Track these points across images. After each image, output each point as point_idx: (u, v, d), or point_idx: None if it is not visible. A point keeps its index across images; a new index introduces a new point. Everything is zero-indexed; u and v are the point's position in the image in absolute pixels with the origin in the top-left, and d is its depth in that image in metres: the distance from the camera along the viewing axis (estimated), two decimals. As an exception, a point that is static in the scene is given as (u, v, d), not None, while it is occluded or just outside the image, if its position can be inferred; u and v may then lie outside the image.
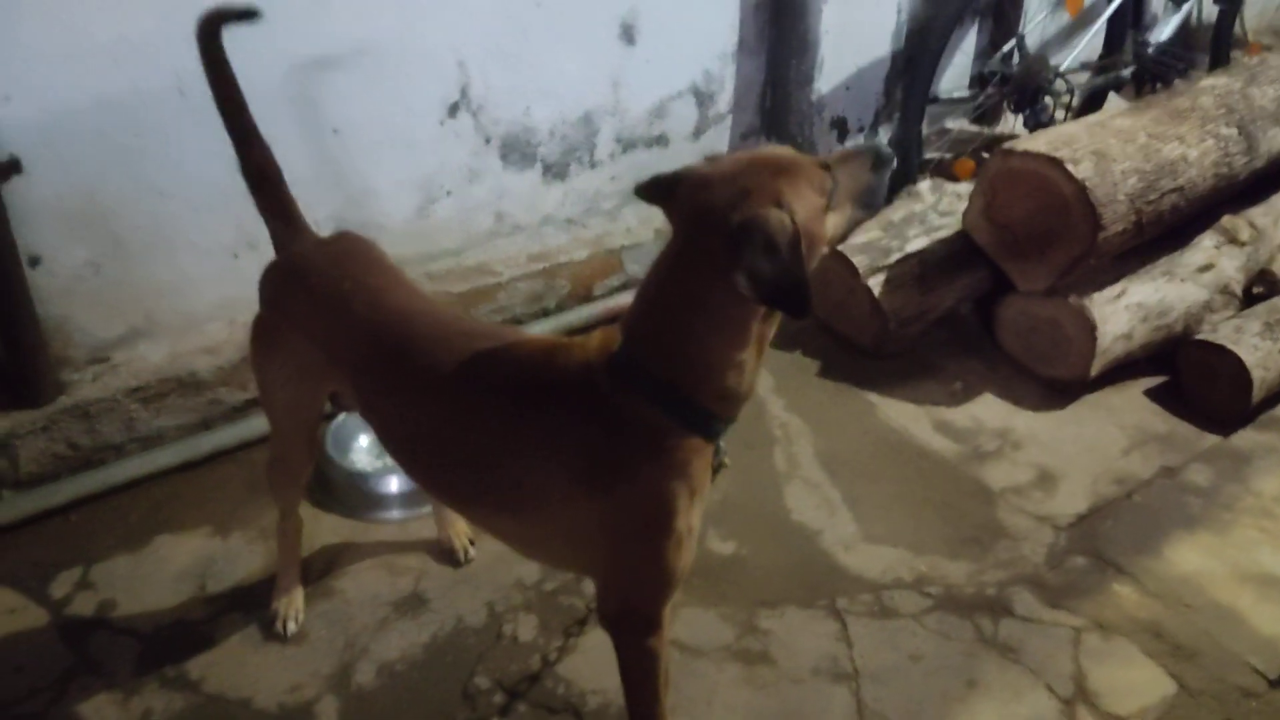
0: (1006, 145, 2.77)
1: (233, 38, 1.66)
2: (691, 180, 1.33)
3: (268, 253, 1.81)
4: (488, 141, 2.84)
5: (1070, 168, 2.59)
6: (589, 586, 2.12)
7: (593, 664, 1.96)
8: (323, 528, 2.27)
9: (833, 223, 1.37)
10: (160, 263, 2.42)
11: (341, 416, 2.43)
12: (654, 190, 1.37)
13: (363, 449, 2.47)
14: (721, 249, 1.26)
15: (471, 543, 2.20)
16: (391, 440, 1.60)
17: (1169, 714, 1.91)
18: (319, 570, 2.16)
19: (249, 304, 2.47)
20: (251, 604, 2.07)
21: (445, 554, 2.20)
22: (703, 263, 1.29)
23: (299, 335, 1.66)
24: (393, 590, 2.13)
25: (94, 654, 1.97)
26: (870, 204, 1.44)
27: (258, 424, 2.42)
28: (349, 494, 2.33)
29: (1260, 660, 2.02)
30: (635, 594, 1.49)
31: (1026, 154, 2.67)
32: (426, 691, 1.92)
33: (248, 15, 1.64)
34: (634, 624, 1.52)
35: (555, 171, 3.02)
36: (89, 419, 2.33)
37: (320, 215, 2.45)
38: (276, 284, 1.71)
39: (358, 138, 2.60)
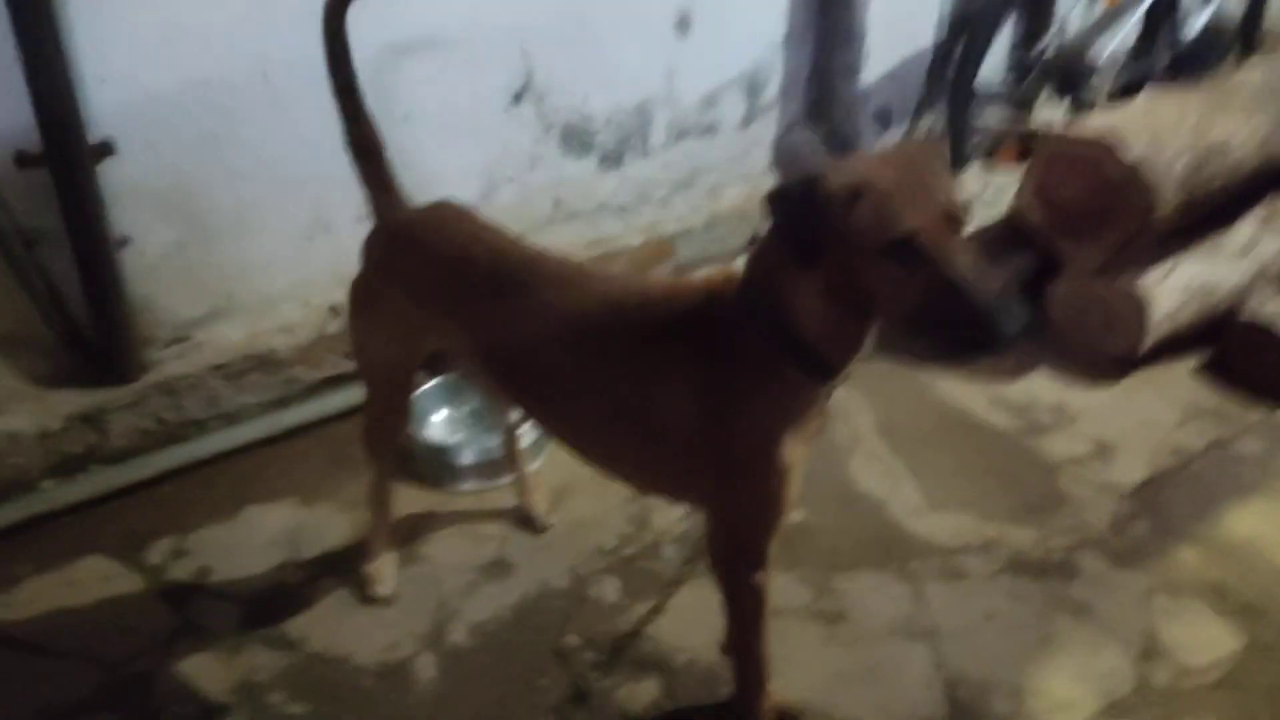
0: (1059, 128, 2.83)
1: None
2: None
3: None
4: (548, 129, 2.91)
5: (1123, 149, 2.65)
6: (668, 552, 2.19)
7: (679, 625, 2.03)
8: (402, 498, 2.31)
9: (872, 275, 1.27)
10: (242, 244, 2.49)
11: (422, 388, 2.49)
12: None
13: (440, 422, 2.54)
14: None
15: (550, 511, 2.26)
16: (514, 386, 1.66)
17: (1240, 667, 1.97)
18: (404, 538, 2.22)
19: (322, 286, 2.56)
20: (343, 568, 2.13)
21: (525, 521, 2.26)
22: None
23: (404, 295, 1.72)
24: (477, 556, 2.19)
25: (195, 617, 2.04)
26: (917, 330, 1.26)
27: (337, 400, 2.50)
28: (427, 466, 2.39)
29: (1324, 618, 2.07)
30: (744, 528, 1.55)
31: (1079, 136, 2.74)
32: (519, 650, 1.98)
33: None
34: (741, 559, 1.58)
35: (611, 159, 3.09)
36: (175, 395, 2.40)
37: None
38: (383, 246, 1.77)
39: (427, 124, 2.66)
